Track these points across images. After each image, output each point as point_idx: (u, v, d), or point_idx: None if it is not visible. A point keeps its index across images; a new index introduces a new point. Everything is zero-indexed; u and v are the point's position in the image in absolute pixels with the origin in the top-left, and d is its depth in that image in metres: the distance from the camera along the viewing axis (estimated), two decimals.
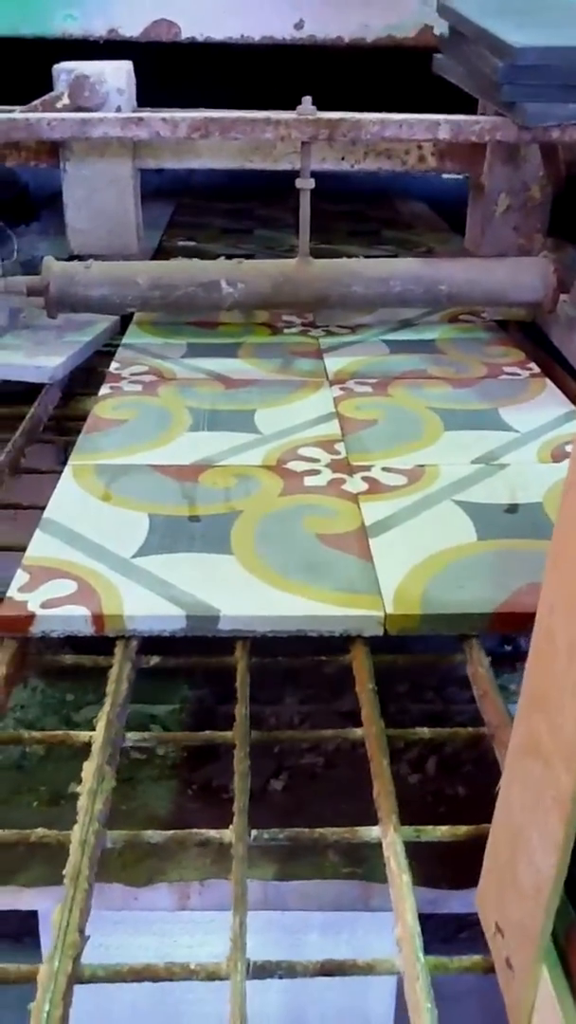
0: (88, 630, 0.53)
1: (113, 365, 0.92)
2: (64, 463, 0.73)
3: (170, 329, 1.02)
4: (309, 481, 0.69)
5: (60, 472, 0.86)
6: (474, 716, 0.54)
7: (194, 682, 0.70)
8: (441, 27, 1.23)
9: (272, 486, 0.68)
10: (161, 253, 1.27)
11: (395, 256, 1.25)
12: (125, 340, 0.99)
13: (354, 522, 0.63)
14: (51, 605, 0.53)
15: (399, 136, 0.98)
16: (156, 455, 0.73)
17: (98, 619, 0.53)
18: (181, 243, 1.34)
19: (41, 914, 0.63)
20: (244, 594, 0.55)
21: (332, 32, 1.25)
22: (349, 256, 1.02)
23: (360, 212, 1.56)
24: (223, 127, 0.93)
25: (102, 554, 0.58)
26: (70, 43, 1.19)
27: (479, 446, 0.75)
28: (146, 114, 0.94)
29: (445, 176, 1.76)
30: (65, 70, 1.02)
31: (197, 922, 0.69)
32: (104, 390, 0.86)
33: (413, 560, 0.58)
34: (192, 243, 1.34)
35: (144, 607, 0.53)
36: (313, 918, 0.65)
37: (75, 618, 0.53)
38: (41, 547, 0.59)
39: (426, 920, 0.64)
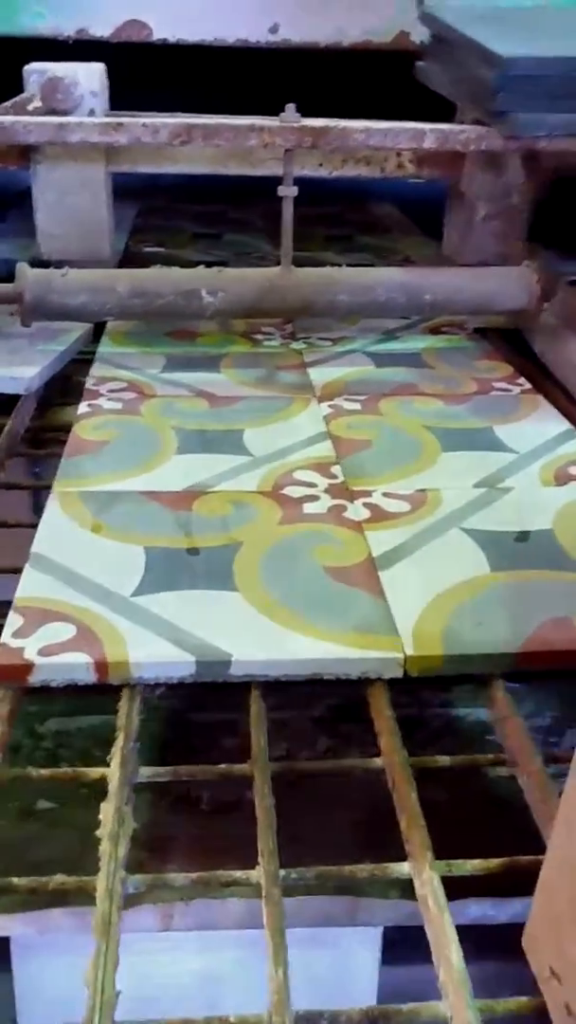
0: (91, 678, 0.49)
1: (89, 381, 0.88)
2: (42, 476, 0.70)
3: (146, 340, 0.98)
4: (309, 508, 0.66)
5: (41, 488, 0.83)
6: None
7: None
8: (418, 33, 1.21)
9: (270, 514, 0.65)
10: (128, 259, 1.24)
11: (373, 264, 1.23)
12: (99, 353, 0.95)
13: (361, 553, 0.60)
14: (50, 652, 0.50)
15: (384, 145, 0.96)
16: (145, 480, 0.69)
17: (102, 666, 0.49)
18: (149, 249, 1.30)
19: (13, 939, 0.61)
20: (254, 635, 0.52)
21: (308, 36, 1.22)
22: (327, 263, 1.00)
23: (334, 216, 1.53)
24: (206, 133, 0.90)
25: (100, 593, 0.55)
26: (38, 42, 1.15)
27: (479, 468, 0.73)
28: (126, 119, 0.91)
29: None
30: (36, 71, 0.98)
31: (174, 940, 0.67)
32: (82, 408, 0.82)
33: (427, 595, 0.56)
34: (161, 249, 1.31)
35: (150, 653, 0.50)
36: (293, 934, 0.63)
37: (77, 666, 0.49)
38: (33, 586, 0.55)
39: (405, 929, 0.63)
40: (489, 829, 0.58)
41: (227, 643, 0.51)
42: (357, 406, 0.84)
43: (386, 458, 0.74)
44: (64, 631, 0.51)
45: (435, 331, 1.05)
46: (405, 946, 0.83)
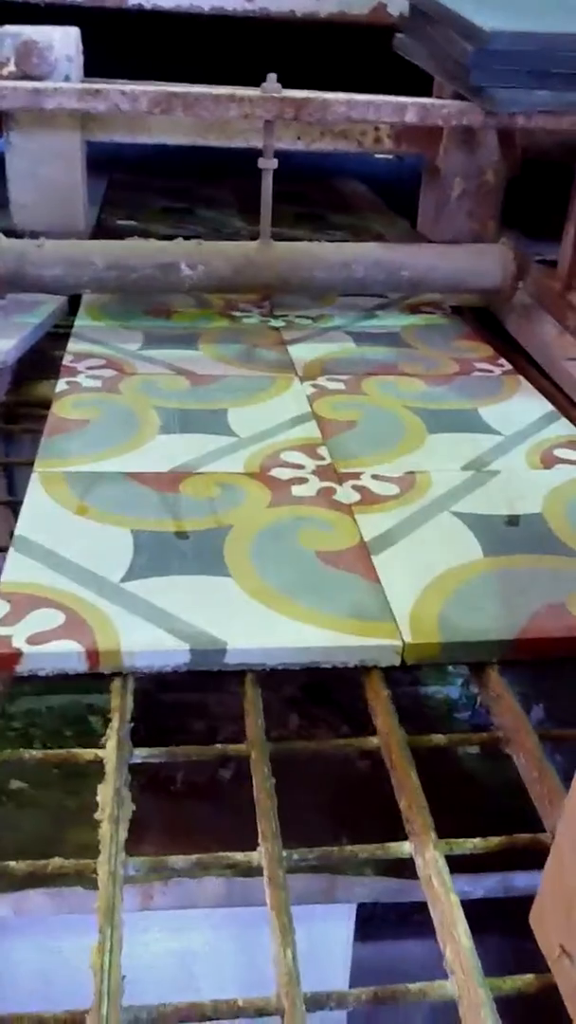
0: (82, 667, 0.48)
1: (66, 357, 0.86)
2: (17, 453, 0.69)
3: (122, 316, 0.96)
4: (297, 490, 0.65)
5: (16, 465, 0.81)
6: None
7: None
8: (396, 6, 1.19)
9: (259, 496, 0.64)
10: (101, 232, 1.21)
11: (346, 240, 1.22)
12: (75, 329, 0.93)
13: (352, 537, 0.59)
14: (39, 640, 0.48)
15: (366, 117, 0.94)
16: (129, 461, 0.68)
17: (93, 655, 0.48)
18: (121, 222, 1.28)
19: None
20: (249, 622, 0.51)
21: (284, 6, 1.20)
22: (299, 240, 0.99)
23: (303, 193, 1.51)
24: (186, 103, 0.88)
25: (87, 578, 0.53)
26: (8, 5, 1.12)
27: (466, 450, 0.72)
28: (104, 86, 0.88)
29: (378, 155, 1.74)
30: (10, 34, 0.95)
31: (151, 918, 0.66)
32: (60, 385, 0.80)
33: (422, 581, 0.55)
34: (132, 223, 1.28)
35: (143, 641, 0.49)
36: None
37: (68, 655, 0.48)
38: (18, 570, 0.54)
39: (378, 906, 0.63)
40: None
41: (221, 631, 0.50)
42: (340, 386, 0.83)
43: (372, 439, 0.73)
44: (53, 618, 0.50)
45: (413, 310, 1.05)
46: (379, 923, 0.83)
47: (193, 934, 0.68)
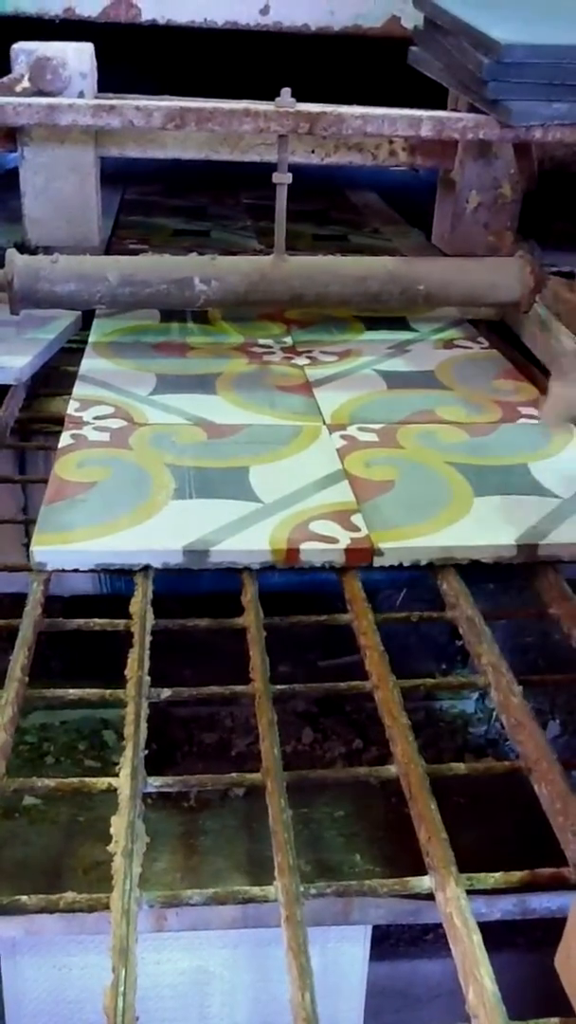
0: None
1: (72, 405, 0.80)
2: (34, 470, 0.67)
3: (133, 355, 0.91)
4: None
5: (29, 483, 0.81)
6: None
7: None
8: (410, 18, 1.19)
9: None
10: (115, 246, 1.21)
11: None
12: (82, 371, 0.87)
13: None
14: None
15: (381, 131, 0.94)
16: (137, 536, 0.61)
17: None
18: (133, 245, 1.26)
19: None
20: None
21: (298, 19, 1.20)
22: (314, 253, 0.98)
23: (322, 211, 1.50)
24: (200, 118, 0.88)
25: None
26: (23, 22, 1.12)
27: (519, 518, 0.64)
28: (118, 102, 0.88)
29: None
30: (24, 50, 0.95)
31: (163, 939, 0.66)
32: (65, 439, 0.73)
33: None
34: (145, 247, 1.26)
35: None
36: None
37: None
38: None
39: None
40: None
41: None
42: (373, 437, 0.76)
43: (412, 504, 0.66)
44: None
45: (447, 345, 0.99)
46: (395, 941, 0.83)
47: (208, 952, 0.68)
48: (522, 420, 0.82)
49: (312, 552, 0.61)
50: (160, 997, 0.70)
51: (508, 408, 0.83)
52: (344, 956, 0.70)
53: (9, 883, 0.63)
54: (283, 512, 0.64)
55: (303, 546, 0.61)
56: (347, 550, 0.61)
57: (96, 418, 0.77)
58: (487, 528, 0.64)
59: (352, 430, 0.77)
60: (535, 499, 0.68)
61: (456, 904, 0.40)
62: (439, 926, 0.40)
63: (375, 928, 0.70)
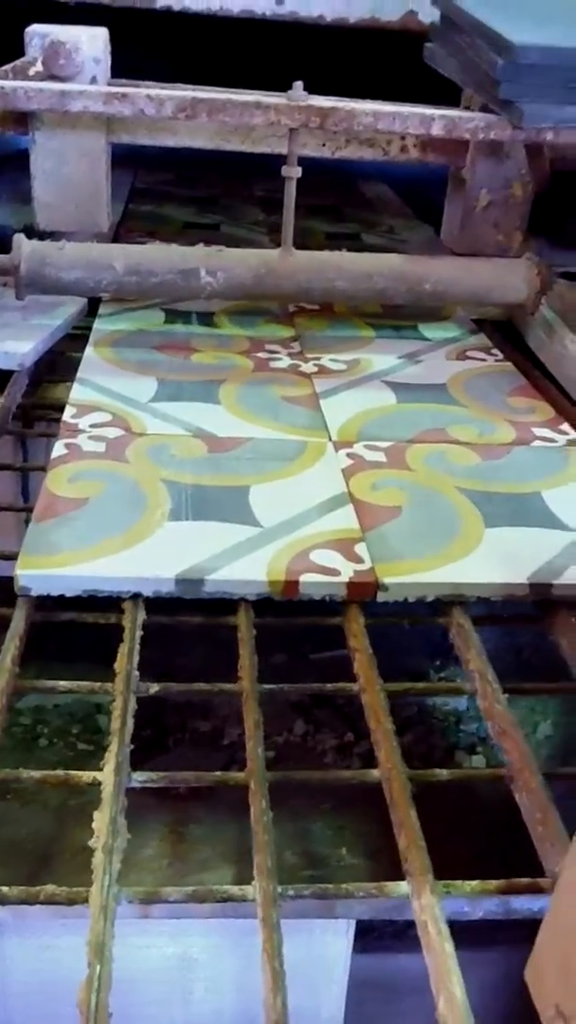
0: None
1: (68, 411, 0.77)
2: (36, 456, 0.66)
3: (135, 357, 0.89)
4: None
5: (30, 470, 0.81)
6: None
7: None
8: (427, 15, 1.19)
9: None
10: (121, 238, 1.20)
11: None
12: (80, 373, 0.84)
13: None
14: None
15: (391, 128, 0.94)
16: (128, 561, 0.59)
17: None
18: (141, 239, 1.25)
19: None
20: None
21: (314, 10, 1.19)
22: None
23: (334, 206, 1.48)
24: (211, 108, 0.88)
25: None
26: (38, 4, 1.12)
27: (531, 554, 0.62)
28: (130, 90, 0.88)
29: None
30: (39, 34, 0.95)
31: (147, 925, 0.67)
32: (58, 449, 0.71)
33: None
34: (151, 239, 1.26)
35: None
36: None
37: None
38: None
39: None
40: None
41: None
42: (380, 456, 0.74)
43: (420, 534, 0.64)
44: None
45: (460, 355, 0.97)
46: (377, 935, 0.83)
47: (192, 939, 0.69)
48: (536, 442, 0.79)
49: (312, 585, 0.59)
50: (146, 981, 0.71)
51: (522, 428, 0.81)
52: (328, 948, 0.71)
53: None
54: (283, 539, 0.62)
55: (303, 578, 0.58)
56: (349, 583, 0.59)
57: (92, 426, 0.75)
58: (498, 564, 0.61)
59: (359, 448, 0.75)
60: (549, 532, 0.65)
61: (431, 912, 0.40)
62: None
63: (359, 921, 0.71)
